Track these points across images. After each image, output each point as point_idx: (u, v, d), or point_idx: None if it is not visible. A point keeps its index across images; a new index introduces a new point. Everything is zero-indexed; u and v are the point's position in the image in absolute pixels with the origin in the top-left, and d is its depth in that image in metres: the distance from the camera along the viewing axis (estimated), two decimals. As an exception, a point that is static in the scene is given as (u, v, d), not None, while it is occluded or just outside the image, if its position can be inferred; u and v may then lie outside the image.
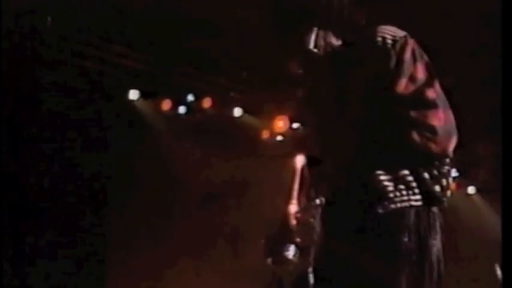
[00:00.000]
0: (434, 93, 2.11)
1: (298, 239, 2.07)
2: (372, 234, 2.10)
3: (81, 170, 5.74)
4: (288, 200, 2.11)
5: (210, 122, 6.16)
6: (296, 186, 2.13)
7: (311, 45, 2.16)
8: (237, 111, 6.27)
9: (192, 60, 5.80)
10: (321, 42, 2.18)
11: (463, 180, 7.09)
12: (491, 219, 7.01)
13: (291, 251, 2.06)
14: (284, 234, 2.09)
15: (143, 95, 5.96)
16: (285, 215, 2.10)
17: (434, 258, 2.12)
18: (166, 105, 6.08)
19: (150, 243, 5.92)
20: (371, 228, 2.10)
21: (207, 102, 6.14)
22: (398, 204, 2.08)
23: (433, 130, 2.07)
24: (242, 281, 5.81)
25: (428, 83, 2.11)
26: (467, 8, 4.47)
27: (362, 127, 2.13)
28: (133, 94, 5.93)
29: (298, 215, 2.11)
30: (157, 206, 5.98)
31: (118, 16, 5.12)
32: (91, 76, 5.59)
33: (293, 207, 2.11)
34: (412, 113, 2.08)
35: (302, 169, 2.16)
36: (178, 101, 6.11)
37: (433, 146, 2.07)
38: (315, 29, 2.16)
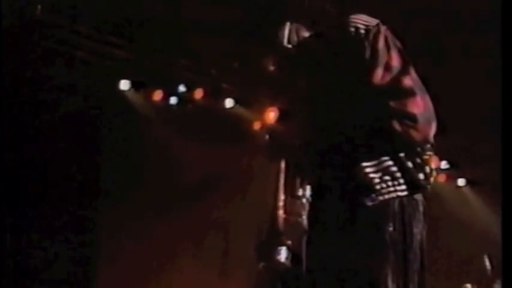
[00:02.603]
0: (410, 80, 2.12)
1: (289, 242, 2.06)
2: (358, 225, 2.11)
3: (71, 161, 5.71)
4: (274, 202, 2.11)
5: (201, 113, 6.15)
6: (281, 186, 2.12)
7: (284, 41, 2.16)
8: (229, 102, 6.26)
9: (183, 51, 5.78)
10: (294, 37, 2.19)
11: (453, 172, 7.13)
12: (480, 211, 7.05)
13: (282, 254, 2.06)
14: (274, 238, 2.09)
15: (134, 85, 5.95)
16: (273, 218, 2.10)
17: (417, 246, 2.14)
18: (157, 95, 6.07)
19: (140, 235, 5.90)
20: (357, 219, 2.11)
21: (198, 93, 6.12)
22: (386, 196, 2.10)
23: (413, 118, 2.08)
24: (233, 276, 5.83)
25: (404, 71, 2.12)
26: (467, 7, 4.48)
27: (342, 120, 2.13)
28: (124, 84, 5.91)
29: (286, 216, 2.11)
30: (148, 197, 5.96)
31: (109, 6, 5.09)
32: (82, 66, 5.55)
33: (280, 209, 2.10)
34: (391, 103, 2.09)
35: (286, 169, 2.16)
36: (170, 91, 6.09)
37: (414, 134, 2.09)
38: (288, 24, 2.17)
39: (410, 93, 2.10)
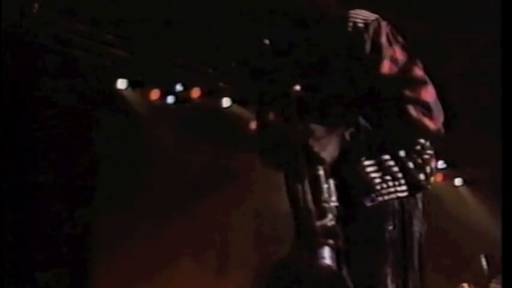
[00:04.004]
0: (420, 70, 2.12)
1: (330, 241, 1.98)
2: (358, 224, 2.10)
3: (67, 160, 5.69)
4: (306, 206, 2.02)
5: (198, 112, 6.14)
6: (309, 191, 2.03)
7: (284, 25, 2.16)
8: (226, 102, 6.26)
9: (180, 50, 5.77)
10: (294, 24, 2.17)
11: (450, 171, 7.14)
12: (477, 210, 7.06)
13: (326, 254, 1.96)
14: (310, 241, 2.01)
15: (131, 84, 5.93)
16: (308, 221, 2.00)
17: (416, 245, 2.13)
18: (154, 94, 6.05)
19: (139, 236, 5.88)
20: (357, 218, 2.09)
21: (195, 92, 6.12)
22: (386, 197, 2.09)
23: (427, 106, 2.08)
24: (233, 277, 5.82)
25: (412, 62, 2.11)
26: (467, 6, 4.48)
27: (352, 112, 2.10)
28: (122, 83, 5.89)
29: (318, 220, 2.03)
30: (146, 197, 5.95)
31: (107, 4, 5.08)
32: (79, 65, 5.54)
33: (313, 214, 2.02)
34: (406, 91, 2.07)
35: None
36: (167, 90, 6.08)
37: (428, 122, 2.07)
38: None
39: (422, 82, 2.10)
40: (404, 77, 2.09)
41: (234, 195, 6.17)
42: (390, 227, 2.09)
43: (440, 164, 6.93)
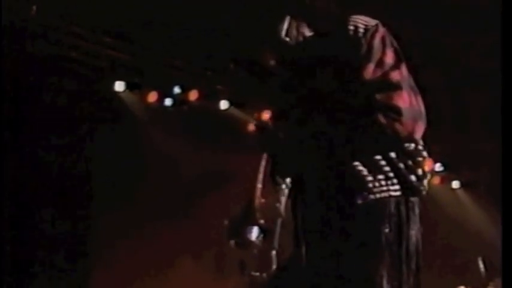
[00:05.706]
0: (399, 75, 2.12)
1: (261, 221, 2.07)
2: (354, 226, 2.10)
3: (65, 162, 5.69)
4: (253, 183, 2.10)
5: (196, 115, 6.14)
6: (262, 170, 2.12)
7: (283, 34, 2.16)
8: (224, 104, 6.26)
9: (178, 52, 5.77)
10: (294, 32, 2.19)
11: (447, 174, 7.15)
12: (474, 213, 7.07)
13: (253, 233, 2.06)
14: (247, 216, 2.09)
15: (129, 86, 5.92)
16: (250, 198, 2.10)
17: (412, 248, 2.14)
18: (152, 97, 6.05)
19: (136, 238, 5.87)
20: (353, 220, 2.10)
21: (193, 95, 6.12)
22: (378, 195, 2.10)
23: (397, 111, 2.07)
24: (232, 279, 5.79)
25: (395, 66, 2.12)
26: (467, 7, 4.49)
27: (334, 116, 2.12)
28: (119, 86, 5.89)
29: (263, 198, 2.11)
30: (144, 199, 5.94)
31: (104, 7, 5.08)
32: (76, 67, 5.54)
33: (258, 191, 2.10)
34: (377, 96, 2.08)
35: (270, 154, 2.17)
36: (165, 93, 6.08)
37: (399, 127, 2.07)
38: (288, 18, 2.17)
39: (396, 86, 2.10)
40: (380, 81, 2.10)
41: (232, 196, 6.15)
42: (386, 230, 2.10)
43: (438, 167, 6.94)
